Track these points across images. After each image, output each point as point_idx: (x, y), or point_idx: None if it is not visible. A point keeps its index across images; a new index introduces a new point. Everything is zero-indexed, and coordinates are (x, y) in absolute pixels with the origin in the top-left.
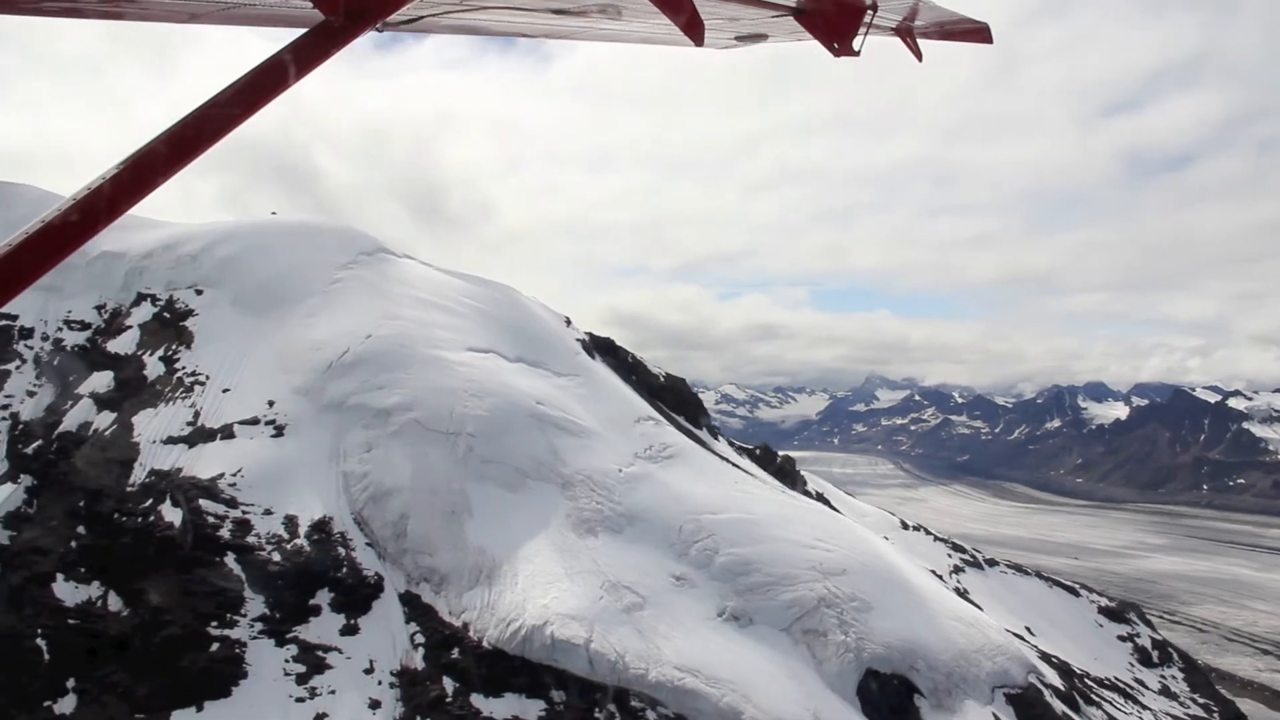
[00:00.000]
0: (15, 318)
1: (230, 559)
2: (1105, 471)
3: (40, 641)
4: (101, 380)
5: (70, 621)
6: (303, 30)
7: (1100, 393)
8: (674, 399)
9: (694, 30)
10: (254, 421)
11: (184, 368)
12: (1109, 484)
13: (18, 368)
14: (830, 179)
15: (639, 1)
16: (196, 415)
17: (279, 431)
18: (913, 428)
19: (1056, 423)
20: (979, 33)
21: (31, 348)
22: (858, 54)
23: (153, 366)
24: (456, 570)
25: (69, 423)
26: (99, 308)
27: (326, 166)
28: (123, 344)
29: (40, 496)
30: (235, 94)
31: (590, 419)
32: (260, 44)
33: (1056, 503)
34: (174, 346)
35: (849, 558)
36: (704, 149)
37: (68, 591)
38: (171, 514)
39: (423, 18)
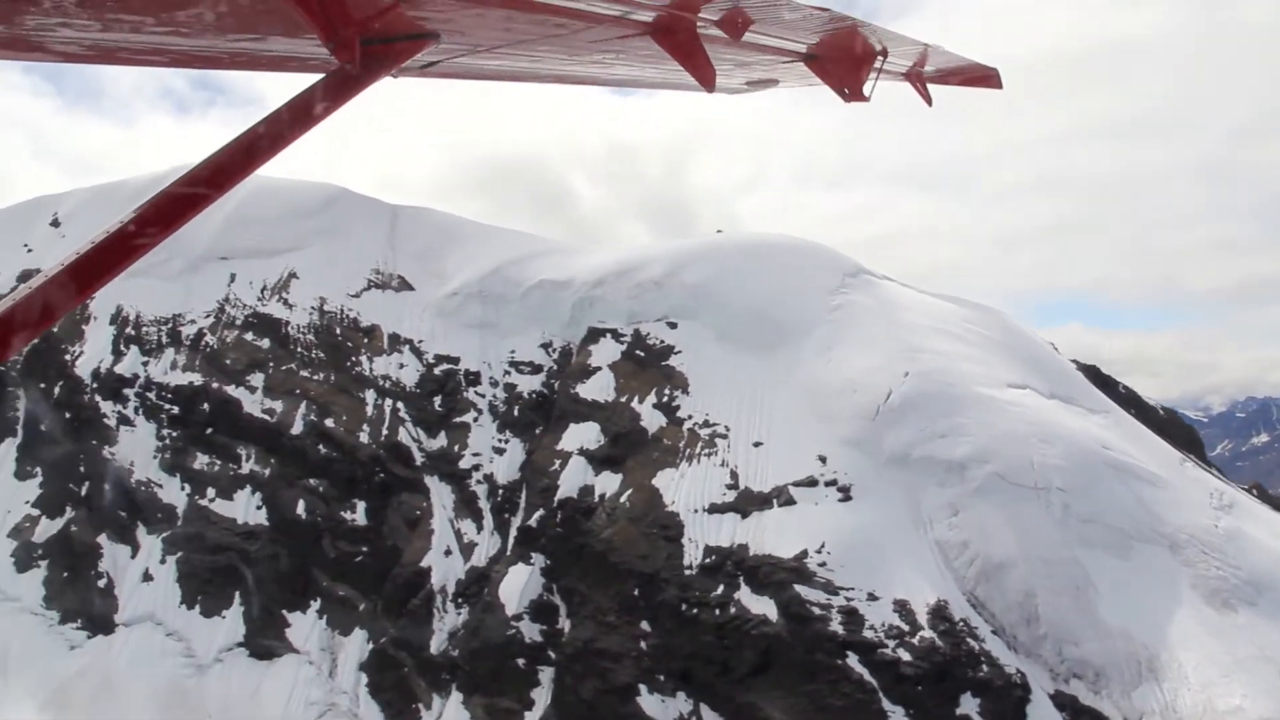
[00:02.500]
0: (456, 360)
1: (853, 660)
2: None
3: None
4: (585, 434)
5: None
6: (318, 76)
7: None
8: (1182, 434)
9: (705, 76)
10: (810, 483)
11: (690, 417)
12: None
13: (475, 420)
14: (1062, 188)
15: (651, 47)
16: (734, 476)
17: (845, 494)
18: None
19: (1265, 437)
20: (988, 78)
21: (483, 395)
22: (868, 99)
23: (649, 416)
24: (1111, 662)
25: (566, 487)
26: (545, 346)
27: (578, 187)
28: (596, 389)
29: (563, 579)
30: (249, 142)
31: (1152, 464)
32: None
33: None
34: (667, 391)
35: None
36: (946, 162)
37: (655, 707)
38: (757, 603)
39: (439, 63)
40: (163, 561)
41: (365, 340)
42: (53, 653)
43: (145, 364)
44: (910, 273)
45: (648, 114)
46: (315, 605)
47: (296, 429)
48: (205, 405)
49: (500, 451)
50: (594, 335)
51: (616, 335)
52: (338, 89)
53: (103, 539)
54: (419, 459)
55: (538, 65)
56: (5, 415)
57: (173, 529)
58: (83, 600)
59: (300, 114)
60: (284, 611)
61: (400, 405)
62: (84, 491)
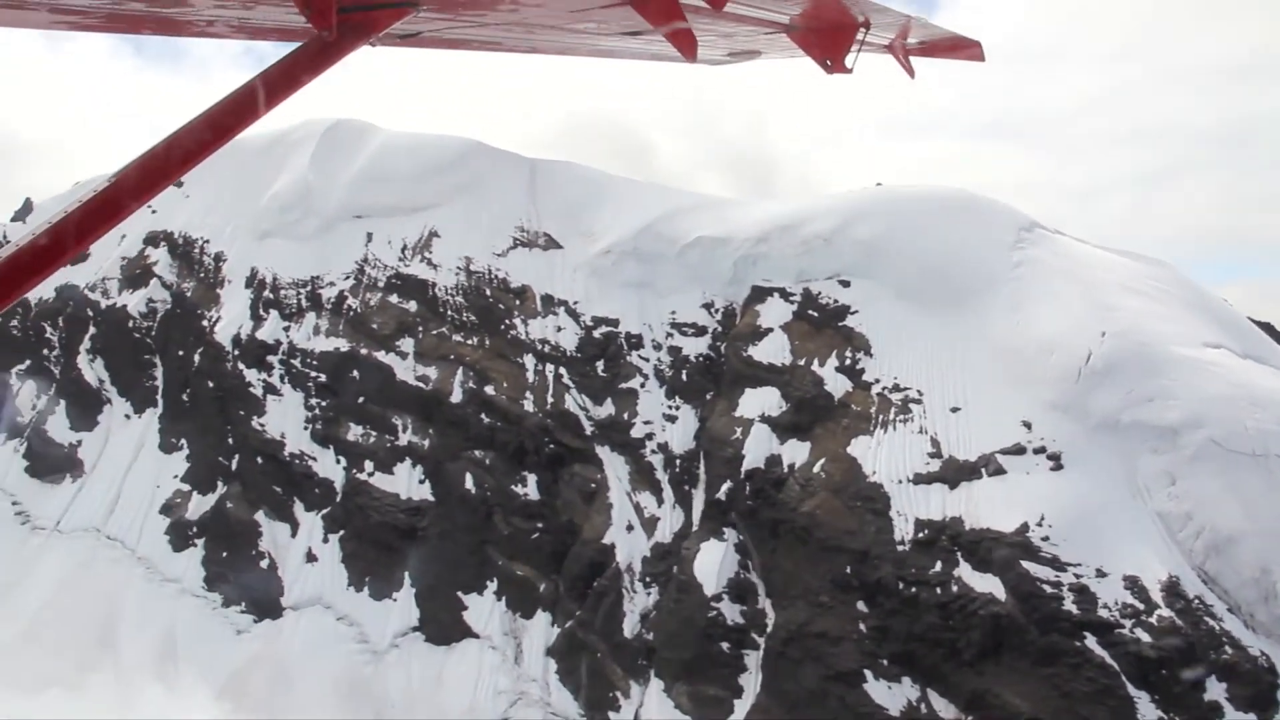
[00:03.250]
0: (615, 322)
1: (1091, 642)
2: None
3: None
4: (764, 400)
5: None
6: (297, 44)
7: None
8: None
9: (687, 47)
10: (1018, 450)
11: (877, 381)
12: None
13: (643, 385)
14: (1153, 137)
15: (632, 17)
16: (935, 444)
17: (1056, 463)
18: None
19: None
20: (970, 49)
21: (647, 359)
22: (850, 71)
23: (833, 380)
24: None
25: (752, 457)
26: (706, 306)
27: (658, 141)
28: (769, 352)
29: (758, 555)
30: (227, 108)
31: None
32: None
33: None
34: (849, 354)
35: None
36: (1035, 109)
37: (881, 693)
38: (981, 581)
39: (418, 33)
40: (325, 540)
41: (517, 302)
42: (221, 638)
43: (286, 329)
44: None
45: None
46: (492, 586)
47: (456, 397)
48: (355, 372)
49: (671, 419)
50: (759, 294)
51: (785, 294)
52: (315, 57)
53: (260, 516)
54: (588, 428)
55: (518, 35)
56: (143, 385)
57: (332, 505)
58: (245, 582)
59: (277, 82)
60: (459, 593)
61: (563, 371)
62: (234, 465)
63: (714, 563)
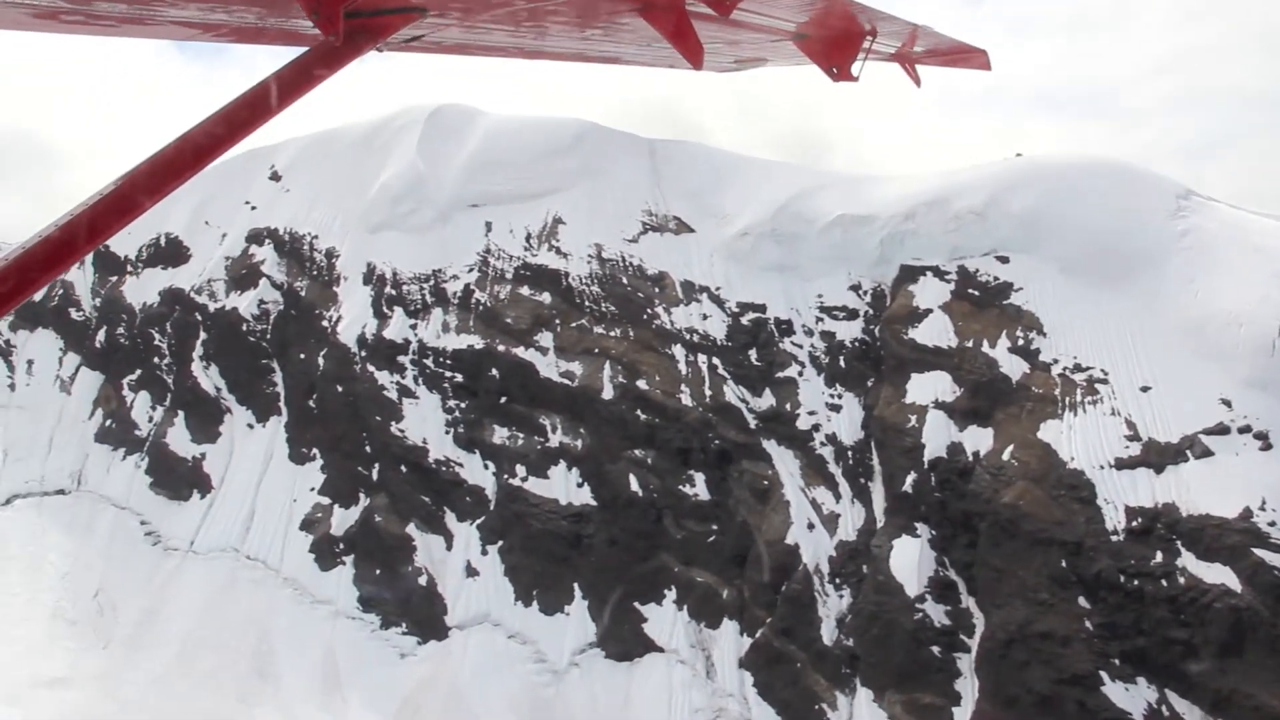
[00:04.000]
0: (762, 308)
1: None
2: None
3: None
4: (934, 385)
5: None
6: (303, 49)
7: None
8: None
9: (693, 54)
10: (1222, 430)
11: (1056, 361)
12: None
13: (800, 373)
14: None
15: (639, 24)
16: (1131, 426)
17: (1265, 442)
18: None
19: None
20: (977, 58)
21: (800, 345)
22: (856, 79)
23: (1007, 362)
24: None
25: (933, 446)
26: (854, 288)
27: (710, 126)
28: (931, 334)
29: (953, 550)
30: (233, 112)
31: None
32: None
33: None
34: (1020, 334)
35: None
36: (1083, 81)
37: (1119, 696)
38: (1209, 571)
39: (422, 38)
40: (484, 553)
41: (656, 290)
42: (384, 662)
43: (413, 327)
44: None
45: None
46: (670, 595)
47: (607, 393)
48: (493, 371)
49: (835, 408)
50: (910, 274)
51: (939, 273)
52: (322, 62)
53: (411, 529)
54: (751, 421)
55: (524, 41)
56: (263, 391)
57: (486, 514)
58: (404, 601)
59: (285, 86)
60: (636, 604)
61: (716, 361)
62: (375, 475)
63: (910, 561)
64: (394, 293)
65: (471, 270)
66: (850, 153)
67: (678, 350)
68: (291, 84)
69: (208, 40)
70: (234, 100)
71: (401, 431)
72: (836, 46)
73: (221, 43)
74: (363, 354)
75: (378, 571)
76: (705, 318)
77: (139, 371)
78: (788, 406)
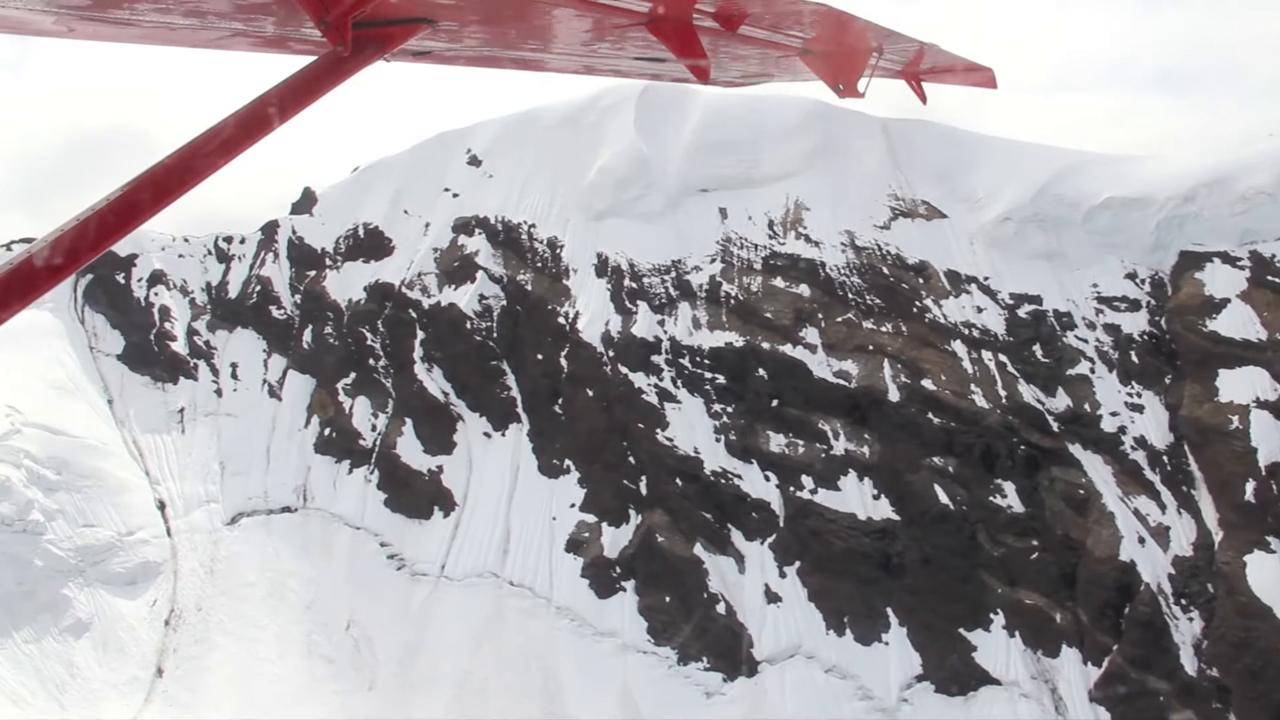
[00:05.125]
0: (1038, 299)
1: None
2: None
3: None
4: (1248, 381)
5: None
6: (310, 59)
7: None
8: None
9: (700, 68)
10: None
11: None
12: None
13: (1092, 370)
14: None
15: (645, 38)
16: None
17: None
18: None
19: None
20: (983, 77)
21: (1085, 340)
22: (862, 96)
23: None
24: None
25: (1266, 448)
26: (1130, 276)
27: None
28: (1233, 326)
29: None
30: (239, 121)
31: None
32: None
33: None
34: None
35: None
36: (1200, 58)
37: None
38: None
39: (429, 51)
40: (781, 575)
41: (920, 280)
42: (689, 702)
43: (660, 323)
44: None
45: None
46: (998, 619)
47: (892, 395)
48: (760, 371)
49: (1137, 408)
50: (1193, 260)
51: (1229, 259)
52: (328, 71)
53: (698, 550)
54: (1053, 424)
55: (531, 53)
56: (497, 396)
57: (777, 531)
58: (702, 632)
59: (291, 96)
60: (960, 630)
61: (1003, 358)
62: (643, 488)
63: (1272, 579)
64: (634, 285)
65: (714, 260)
66: (947, 133)
67: (958, 346)
68: (297, 93)
69: (216, 49)
70: (239, 109)
71: (670, 440)
72: (843, 63)
73: (229, 51)
74: (610, 353)
75: (667, 599)
76: (979, 310)
77: (354, 374)
78: (1086, 407)
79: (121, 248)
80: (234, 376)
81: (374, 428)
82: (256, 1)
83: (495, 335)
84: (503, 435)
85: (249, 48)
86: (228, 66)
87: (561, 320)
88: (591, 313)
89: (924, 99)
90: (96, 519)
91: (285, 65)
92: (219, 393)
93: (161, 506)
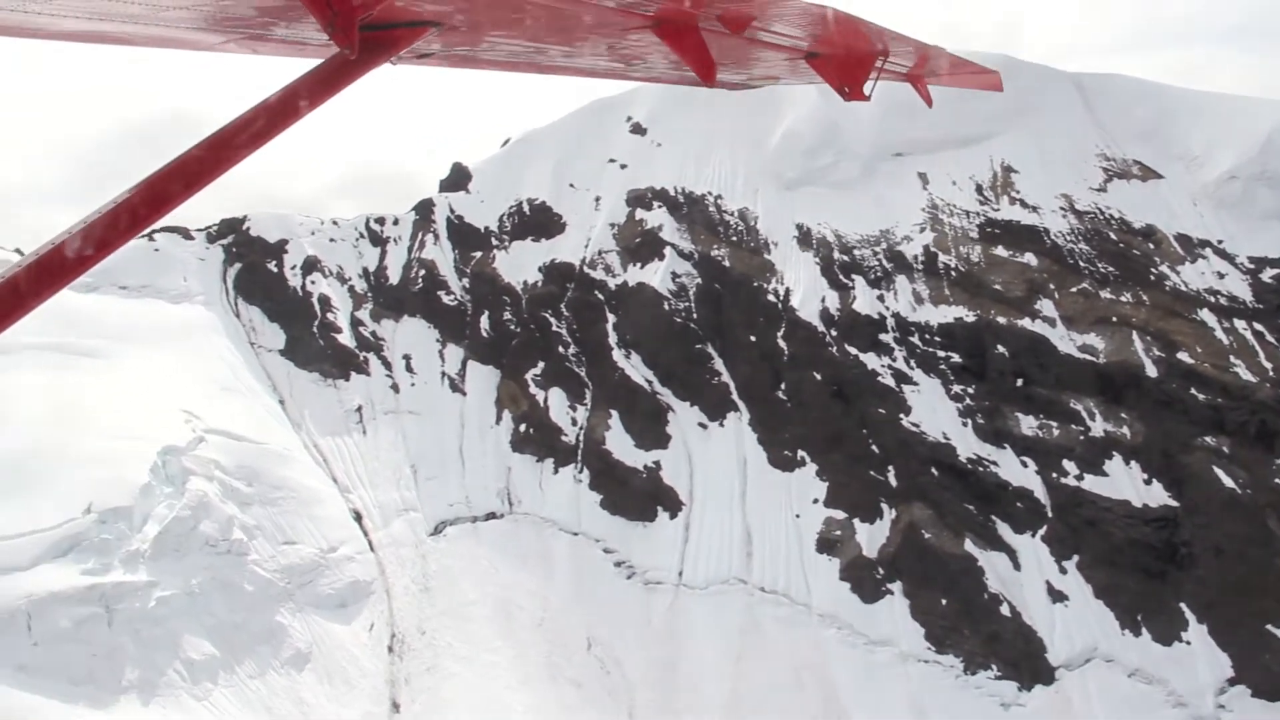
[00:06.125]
0: None
1: None
2: None
3: None
4: None
5: None
6: (317, 61)
7: None
8: None
9: (706, 72)
10: None
11: None
12: None
13: None
14: None
15: (651, 40)
16: None
17: None
18: None
19: None
20: (989, 79)
21: None
22: (868, 98)
23: None
24: None
25: None
26: None
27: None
28: None
29: None
30: (248, 122)
31: None
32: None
33: None
34: None
35: None
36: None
37: None
38: None
39: (436, 53)
40: (1061, 570)
41: (1150, 245)
42: (985, 714)
43: (880, 298)
44: None
45: None
46: None
47: (1150, 370)
48: (999, 347)
49: None
50: None
51: None
52: (336, 74)
53: (968, 544)
54: None
55: (538, 55)
56: (707, 382)
57: (1047, 522)
58: (990, 637)
59: (298, 98)
60: (1269, 628)
61: (1259, 327)
62: (892, 479)
63: None
64: (845, 259)
65: (923, 229)
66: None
67: (1206, 316)
68: (304, 96)
69: (224, 52)
70: (246, 112)
71: (915, 426)
72: (849, 66)
73: (236, 54)
74: (832, 332)
75: (943, 601)
76: (1221, 276)
77: (541, 364)
78: None
79: (269, 233)
80: (409, 370)
81: (574, 421)
82: (264, 5)
83: (695, 316)
84: (720, 426)
85: (257, 51)
86: (250, 63)
87: (771, 298)
88: (804, 289)
89: (929, 102)
90: (296, 535)
91: (293, 67)
92: (395, 388)
93: (358, 518)
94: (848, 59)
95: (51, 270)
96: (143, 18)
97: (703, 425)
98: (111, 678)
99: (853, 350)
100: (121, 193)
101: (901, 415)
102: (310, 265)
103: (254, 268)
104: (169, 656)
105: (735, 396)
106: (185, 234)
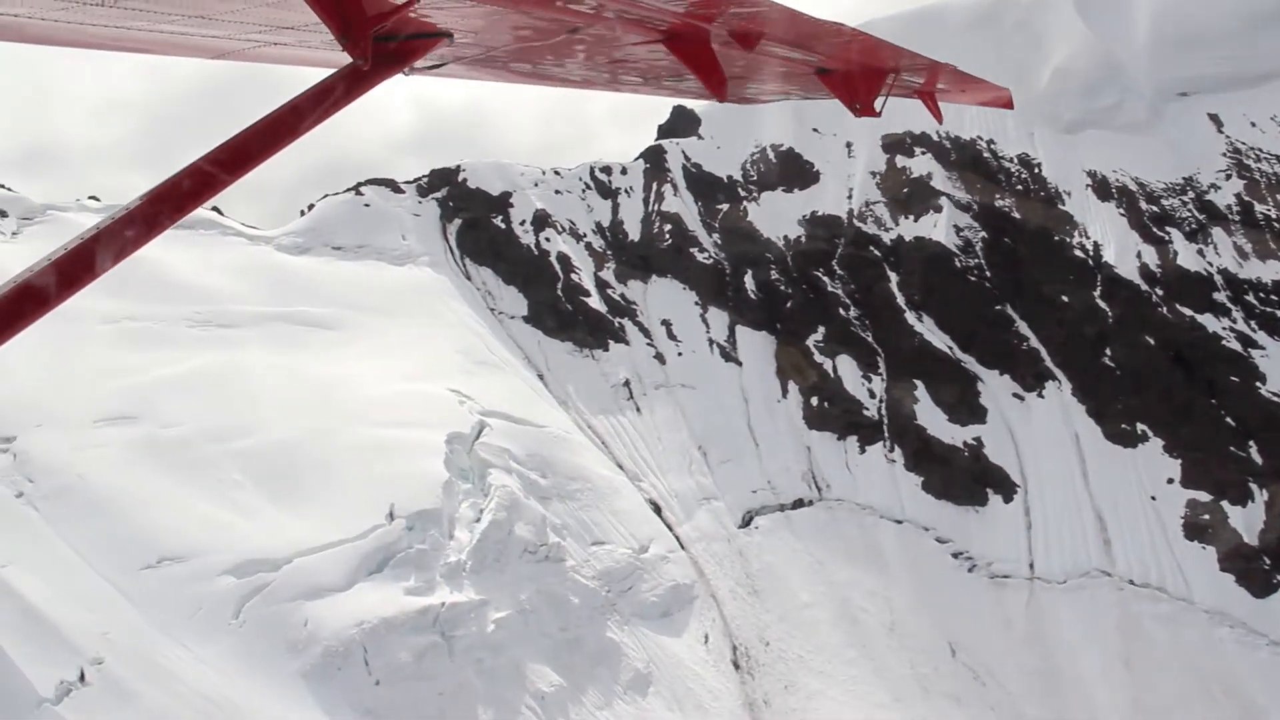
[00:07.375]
0: None
1: None
2: None
3: None
4: None
5: None
6: (330, 71)
7: None
8: None
9: (717, 86)
10: None
11: None
12: None
13: None
14: None
15: (664, 55)
16: None
17: None
18: None
19: None
20: (999, 97)
21: None
22: (879, 114)
23: None
24: None
25: None
26: None
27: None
28: None
29: None
30: (262, 130)
31: None
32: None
33: None
34: None
35: None
36: None
37: None
38: None
39: (448, 64)
40: None
41: None
42: None
43: (1200, 252)
44: None
45: None
46: None
47: None
48: None
49: None
50: None
51: None
52: (349, 84)
53: None
54: None
55: (549, 69)
56: (1013, 347)
57: None
58: None
59: (313, 108)
60: None
61: None
62: (1256, 454)
63: None
64: (1153, 209)
65: (1228, 176)
66: None
67: None
68: (319, 105)
69: (240, 60)
70: (261, 119)
71: (1276, 395)
72: (860, 83)
73: (251, 64)
74: (1158, 292)
75: None
76: None
77: (822, 328)
78: None
79: (489, 184)
80: (671, 337)
81: (871, 394)
82: (280, 16)
83: (989, 274)
84: (1040, 397)
85: (273, 60)
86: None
87: (1079, 253)
88: (1117, 244)
89: (940, 118)
90: (603, 534)
91: (308, 77)
92: (659, 358)
93: (657, 510)
94: (859, 76)
95: (77, 269)
96: (161, 27)
97: (1018, 396)
98: None
99: (1186, 311)
100: (131, 200)
101: (1257, 384)
102: (541, 220)
103: (478, 224)
104: (518, 691)
105: (1049, 364)
106: (394, 187)
